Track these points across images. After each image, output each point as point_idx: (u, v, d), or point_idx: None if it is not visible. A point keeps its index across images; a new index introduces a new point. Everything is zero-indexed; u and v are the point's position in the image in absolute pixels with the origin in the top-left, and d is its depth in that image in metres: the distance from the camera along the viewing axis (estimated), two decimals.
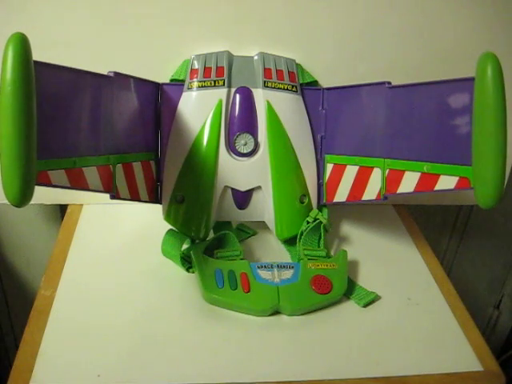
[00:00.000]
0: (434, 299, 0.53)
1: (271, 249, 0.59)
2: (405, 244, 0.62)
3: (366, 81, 0.55)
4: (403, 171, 0.50)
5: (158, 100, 0.56)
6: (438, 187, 0.47)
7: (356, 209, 0.67)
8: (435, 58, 0.61)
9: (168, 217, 0.56)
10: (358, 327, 0.49)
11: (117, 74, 0.50)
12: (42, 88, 0.38)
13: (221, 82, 0.55)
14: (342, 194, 0.57)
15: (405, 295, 0.53)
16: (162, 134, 0.56)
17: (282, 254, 0.58)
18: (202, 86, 0.55)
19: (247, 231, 0.62)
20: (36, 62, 0.37)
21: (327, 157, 0.59)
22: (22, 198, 0.37)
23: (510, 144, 0.40)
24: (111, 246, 0.59)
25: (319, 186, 0.60)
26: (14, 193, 0.36)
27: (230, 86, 0.56)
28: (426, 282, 0.56)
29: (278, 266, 0.52)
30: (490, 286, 0.97)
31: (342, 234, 0.63)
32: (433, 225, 0.86)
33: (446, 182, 0.46)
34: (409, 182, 0.49)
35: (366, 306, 0.51)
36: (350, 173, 0.57)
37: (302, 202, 0.58)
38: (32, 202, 0.38)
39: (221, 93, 0.55)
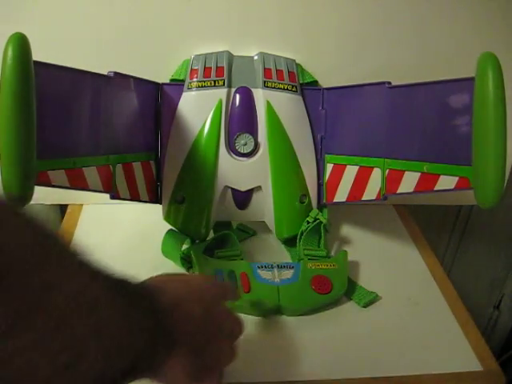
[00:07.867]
0: (433, 299, 0.53)
1: (271, 249, 0.59)
2: (405, 244, 0.62)
3: (366, 81, 0.55)
4: (403, 171, 0.50)
5: (158, 100, 0.56)
6: (437, 187, 0.47)
7: (356, 209, 0.67)
8: (435, 58, 0.61)
9: (168, 217, 0.56)
10: (358, 327, 0.49)
11: (117, 74, 0.50)
12: (41, 88, 0.38)
13: (221, 82, 0.55)
14: (342, 194, 0.57)
15: (405, 295, 0.53)
16: (162, 133, 0.56)
17: (282, 254, 0.58)
18: (201, 86, 0.55)
19: (247, 231, 0.62)
20: (36, 62, 0.37)
21: (327, 157, 0.59)
22: (22, 198, 0.37)
23: (509, 144, 0.40)
24: (111, 245, 0.58)
25: (319, 185, 0.60)
26: (13, 193, 0.36)
27: (230, 86, 0.56)
28: (426, 282, 0.56)
29: (278, 266, 0.52)
30: (490, 285, 0.97)
31: (342, 234, 0.63)
32: (433, 225, 0.86)
33: (446, 182, 0.46)
34: (409, 182, 0.49)
35: (366, 306, 0.51)
36: (350, 173, 0.56)
37: (302, 202, 0.58)
38: (32, 201, 0.38)
39: (221, 93, 0.55)
